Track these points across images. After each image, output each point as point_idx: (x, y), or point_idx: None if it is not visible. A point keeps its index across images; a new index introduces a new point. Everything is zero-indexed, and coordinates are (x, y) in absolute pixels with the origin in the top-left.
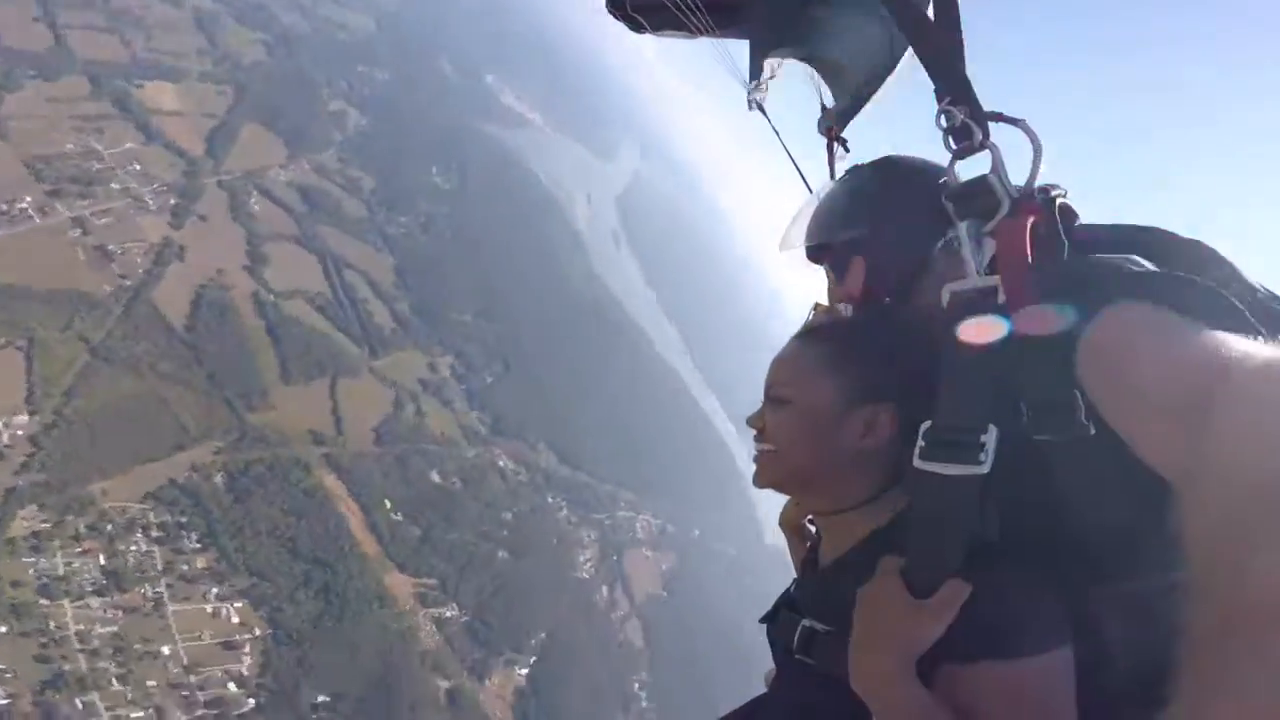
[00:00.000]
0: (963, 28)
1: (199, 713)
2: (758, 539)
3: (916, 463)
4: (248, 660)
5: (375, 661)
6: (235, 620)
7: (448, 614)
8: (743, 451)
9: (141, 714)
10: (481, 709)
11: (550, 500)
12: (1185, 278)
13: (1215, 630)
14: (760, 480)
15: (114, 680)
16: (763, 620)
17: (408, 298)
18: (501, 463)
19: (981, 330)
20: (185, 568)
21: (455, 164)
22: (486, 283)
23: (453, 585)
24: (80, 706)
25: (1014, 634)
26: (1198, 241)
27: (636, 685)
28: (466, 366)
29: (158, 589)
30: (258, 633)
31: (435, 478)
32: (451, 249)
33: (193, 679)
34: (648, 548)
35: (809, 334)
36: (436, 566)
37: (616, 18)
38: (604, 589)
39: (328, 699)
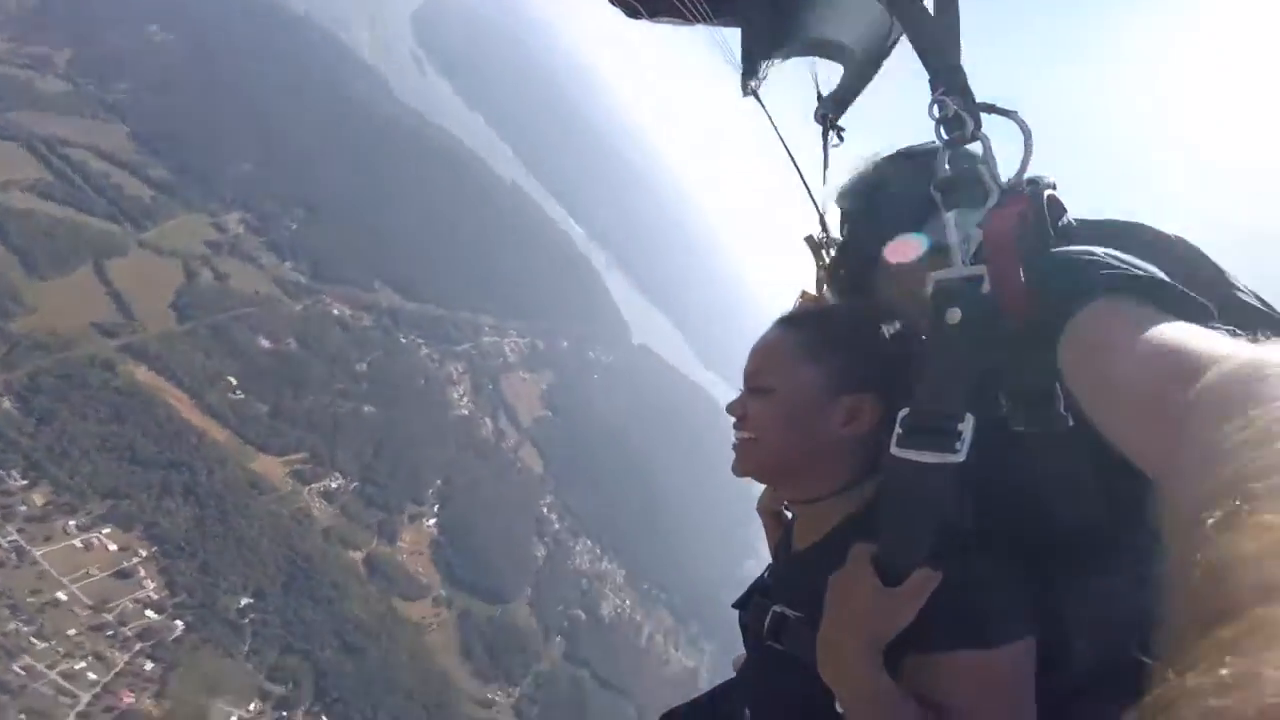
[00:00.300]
0: (960, 19)
1: (137, 648)
2: (628, 341)
3: (893, 450)
4: (150, 584)
5: (280, 550)
6: (113, 547)
7: (333, 485)
8: (600, 256)
9: (84, 664)
10: (404, 569)
11: (404, 340)
12: (1170, 284)
13: (1195, 625)
14: (740, 468)
15: (33, 640)
16: (735, 605)
17: (161, 163)
18: (336, 311)
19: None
20: (24, 508)
21: (180, 19)
22: (260, 129)
23: (326, 454)
24: (22, 673)
25: (980, 624)
26: (1183, 239)
27: (545, 508)
28: (261, 218)
29: (9, 538)
30: (144, 554)
31: (264, 342)
32: (202, 104)
33: (108, 617)
34: (522, 370)
35: (791, 321)
36: (302, 439)
37: (613, 3)
38: (487, 421)
39: (251, 600)
